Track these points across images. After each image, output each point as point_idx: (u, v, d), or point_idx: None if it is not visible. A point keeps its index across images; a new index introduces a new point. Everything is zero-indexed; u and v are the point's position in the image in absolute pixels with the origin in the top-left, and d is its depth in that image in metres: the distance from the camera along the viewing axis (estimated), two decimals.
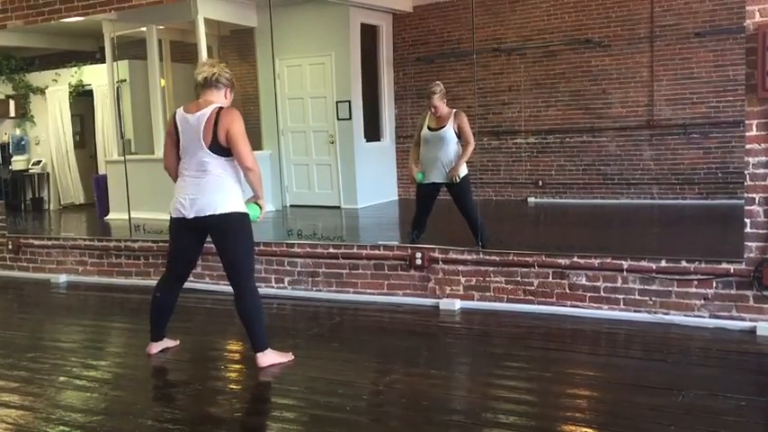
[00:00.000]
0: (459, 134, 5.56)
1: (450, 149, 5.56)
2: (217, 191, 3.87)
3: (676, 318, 4.48)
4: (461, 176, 5.55)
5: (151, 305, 4.26)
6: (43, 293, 6.43)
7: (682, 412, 3.18)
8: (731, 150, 6.64)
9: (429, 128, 5.65)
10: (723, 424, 3.05)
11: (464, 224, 5.46)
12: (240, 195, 3.96)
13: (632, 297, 4.62)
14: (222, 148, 3.84)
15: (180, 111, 3.95)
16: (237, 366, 4.25)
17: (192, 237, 4.04)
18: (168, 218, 4.07)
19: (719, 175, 6.82)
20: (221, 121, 3.81)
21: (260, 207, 4.04)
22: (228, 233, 3.94)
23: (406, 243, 5.54)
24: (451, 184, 5.59)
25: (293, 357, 4.08)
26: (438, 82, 5.71)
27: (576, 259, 4.80)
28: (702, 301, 4.42)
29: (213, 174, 3.87)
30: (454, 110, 5.60)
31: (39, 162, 9.00)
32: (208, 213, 3.86)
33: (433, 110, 5.57)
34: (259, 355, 3.97)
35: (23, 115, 8.99)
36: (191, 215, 3.89)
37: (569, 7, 7.50)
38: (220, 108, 3.86)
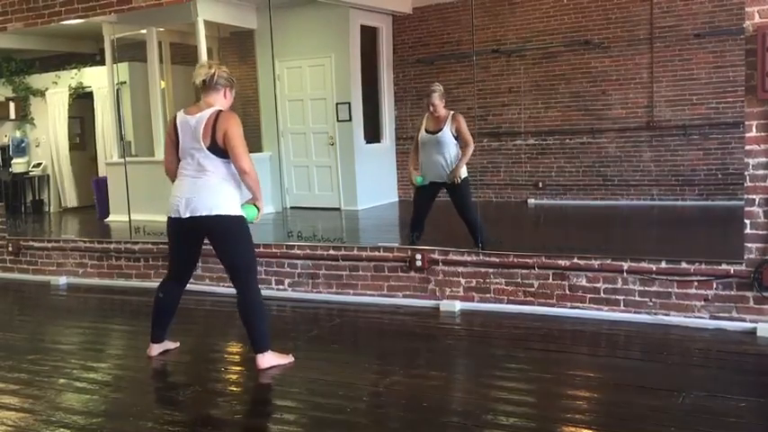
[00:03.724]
0: (458, 136, 5.56)
1: (449, 151, 5.56)
2: (213, 192, 3.87)
3: (676, 319, 4.48)
4: (462, 178, 5.56)
5: (153, 306, 4.26)
6: (43, 295, 6.42)
7: (682, 413, 3.18)
8: (731, 151, 6.64)
9: (426, 130, 5.66)
10: (723, 425, 3.05)
11: (464, 225, 5.46)
12: (237, 198, 3.95)
13: (632, 298, 4.62)
14: (220, 150, 3.84)
15: (180, 113, 3.97)
16: (238, 368, 4.24)
17: (189, 237, 4.03)
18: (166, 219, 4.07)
19: (719, 176, 6.83)
20: (219, 123, 3.82)
21: (257, 209, 4.03)
22: (225, 236, 3.94)
23: (406, 245, 5.54)
24: (451, 186, 5.59)
25: (293, 359, 4.09)
26: (437, 83, 5.74)
27: (576, 260, 4.80)
28: (702, 303, 4.42)
29: (211, 174, 3.87)
30: (452, 112, 5.60)
31: (39, 164, 9.01)
32: (202, 214, 3.86)
33: (431, 108, 5.57)
34: (259, 356, 3.97)
35: (24, 117, 9.00)
36: (185, 215, 3.89)
37: (569, 9, 7.51)
38: (220, 111, 3.87)
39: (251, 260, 4.03)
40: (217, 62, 4.04)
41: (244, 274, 3.98)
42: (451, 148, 5.57)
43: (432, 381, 3.78)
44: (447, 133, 5.55)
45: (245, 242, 3.99)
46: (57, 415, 3.48)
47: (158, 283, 4.31)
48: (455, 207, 5.59)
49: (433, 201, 5.74)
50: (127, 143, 7.90)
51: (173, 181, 4.05)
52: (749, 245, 4.25)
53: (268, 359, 3.98)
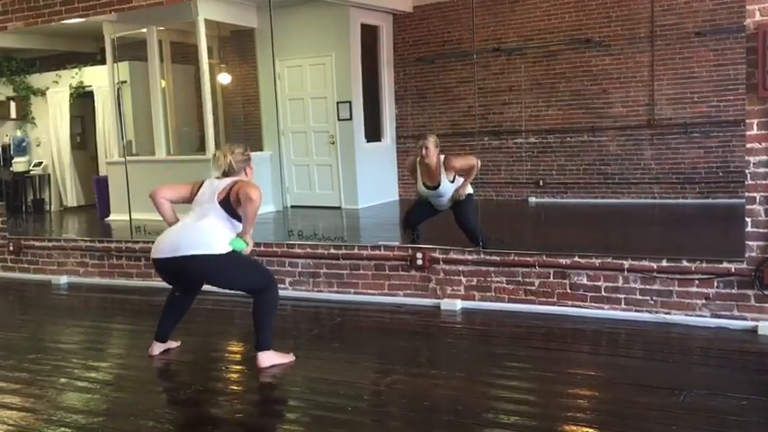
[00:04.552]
0: (458, 173, 5.47)
1: (451, 195, 5.50)
2: (203, 232, 3.88)
3: (677, 317, 4.48)
4: (466, 195, 5.52)
5: (166, 302, 4.28)
6: (44, 295, 6.43)
7: (683, 412, 3.18)
8: (732, 149, 6.63)
9: (425, 185, 5.55)
10: (725, 423, 3.05)
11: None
12: (223, 244, 3.89)
13: (633, 297, 4.62)
14: (230, 208, 3.89)
15: (212, 177, 4.06)
16: (238, 367, 4.25)
17: (181, 276, 4.03)
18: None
19: (720, 174, 6.82)
20: (235, 189, 3.89)
21: (246, 243, 3.98)
22: (218, 274, 3.96)
23: (406, 243, 5.54)
24: (455, 202, 5.55)
25: (294, 358, 4.09)
26: (433, 135, 5.66)
27: (576, 259, 4.80)
28: (704, 301, 4.42)
29: (210, 220, 3.90)
30: (442, 157, 5.46)
31: (40, 164, 9.00)
32: (186, 253, 3.84)
33: (424, 151, 5.45)
34: (260, 354, 3.97)
35: (24, 117, 8.99)
36: (169, 255, 3.89)
37: (569, 7, 7.50)
38: (240, 180, 3.98)
39: (256, 276, 4.05)
40: (230, 148, 4.06)
41: (255, 290, 4.01)
42: (453, 191, 5.49)
43: (433, 379, 3.78)
44: (445, 184, 5.45)
45: (241, 269, 4.01)
46: (58, 414, 3.48)
47: (164, 282, 4.30)
48: (455, 218, 5.51)
49: (430, 216, 5.70)
50: (127, 142, 7.89)
51: (156, 206, 4.07)
52: (750, 243, 4.25)
53: (269, 358, 3.99)
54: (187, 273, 3.95)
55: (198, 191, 4.03)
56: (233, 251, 3.91)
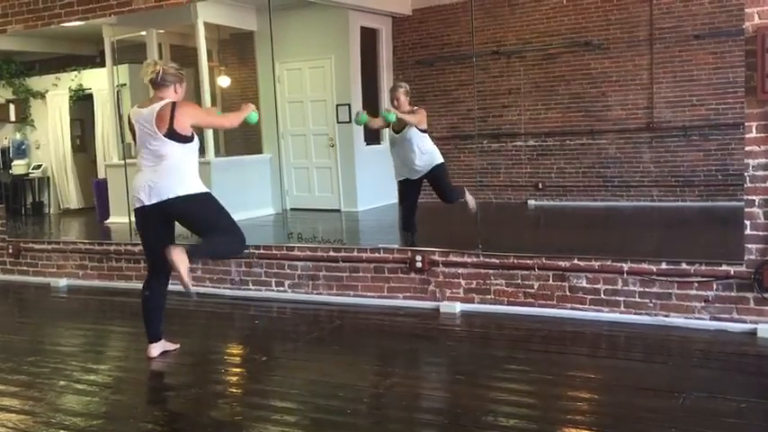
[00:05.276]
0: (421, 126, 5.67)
1: (418, 146, 5.65)
2: (174, 174, 3.95)
3: (677, 320, 4.47)
4: (436, 164, 5.67)
5: (141, 306, 4.29)
6: (43, 297, 6.42)
7: (683, 414, 3.18)
8: (731, 152, 6.65)
9: (393, 130, 5.75)
10: (724, 426, 3.05)
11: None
12: (198, 178, 4.04)
13: (633, 299, 4.62)
14: (179, 136, 3.94)
15: (134, 108, 4.09)
16: (238, 370, 4.25)
17: (158, 225, 4.08)
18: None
19: (719, 177, 6.83)
20: (179, 115, 3.92)
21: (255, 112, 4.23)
22: (193, 210, 4.01)
23: (406, 246, 5.54)
24: (429, 174, 5.70)
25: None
26: (403, 82, 5.93)
27: (576, 262, 4.79)
28: (703, 304, 4.42)
29: (168, 159, 3.95)
30: (414, 108, 5.71)
31: (39, 166, 9.01)
32: (168, 197, 3.92)
33: (395, 103, 5.66)
34: (175, 251, 3.77)
35: (24, 120, 9.00)
36: (150, 201, 3.96)
37: (569, 10, 7.51)
38: (174, 102, 3.97)
39: (228, 218, 4.08)
40: (163, 60, 4.18)
41: (222, 227, 4.05)
42: (420, 142, 5.65)
43: (432, 382, 3.78)
44: (412, 129, 5.64)
45: (216, 206, 4.06)
46: (57, 417, 3.48)
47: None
48: (438, 196, 5.68)
49: (417, 195, 5.83)
50: (126, 145, 7.89)
51: None
52: (749, 246, 4.25)
53: (184, 263, 3.79)
54: (171, 216, 4.02)
55: (134, 131, 4.06)
56: (208, 194, 4.02)
